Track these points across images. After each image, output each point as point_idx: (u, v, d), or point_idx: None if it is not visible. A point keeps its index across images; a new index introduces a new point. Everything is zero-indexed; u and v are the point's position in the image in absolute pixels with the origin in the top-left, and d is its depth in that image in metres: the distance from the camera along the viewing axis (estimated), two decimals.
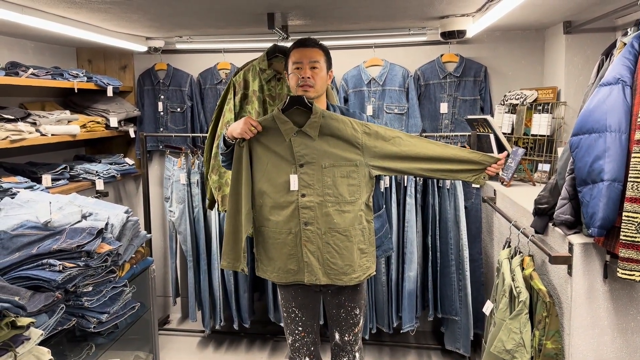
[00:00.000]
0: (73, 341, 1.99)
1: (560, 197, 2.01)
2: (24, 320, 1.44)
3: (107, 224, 2.08)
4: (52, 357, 1.48)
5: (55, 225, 2.04)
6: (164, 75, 4.02)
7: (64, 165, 3.37)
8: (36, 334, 1.48)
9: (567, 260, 1.94)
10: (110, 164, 3.80)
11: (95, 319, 1.89)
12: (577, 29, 3.15)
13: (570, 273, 1.95)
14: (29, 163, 3.35)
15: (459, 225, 3.21)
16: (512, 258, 2.36)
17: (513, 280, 2.23)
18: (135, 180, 4.33)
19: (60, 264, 1.78)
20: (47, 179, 3.18)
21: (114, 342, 2.17)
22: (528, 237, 2.22)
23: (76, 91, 3.41)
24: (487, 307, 2.57)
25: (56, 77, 3.28)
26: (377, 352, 3.56)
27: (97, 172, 3.56)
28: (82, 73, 3.54)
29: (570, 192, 1.95)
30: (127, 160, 4.02)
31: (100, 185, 3.53)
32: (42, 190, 2.67)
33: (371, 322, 3.40)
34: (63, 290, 1.78)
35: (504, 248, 2.54)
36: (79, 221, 2.06)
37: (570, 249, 1.93)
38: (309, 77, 2.12)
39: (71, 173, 3.46)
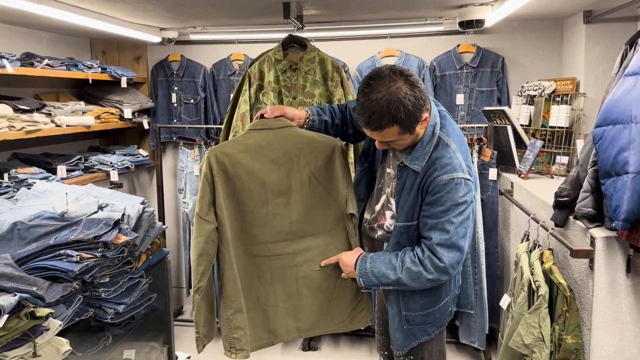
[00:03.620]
0: (90, 331, 1.99)
1: (582, 190, 1.97)
2: (42, 311, 1.44)
3: (123, 215, 2.07)
4: (70, 348, 1.48)
5: (71, 216, 2.04)
6: (177, 66, 4.01)
7: (78, 156, 3.37)
8: (55, 324, 1.48)
9: (588, 254, 1.91)
10: (125, 155, 3.80)
11: (112, 310, 1.89)
12: (597, 18, 3.08)
13: (591, 267, 1.91)
14: (44, 154, 3.35)
15: (475, 218, 3.17)
16: (530, 251, 2.33)
17: (532, 274, 2.19)
18: (149, 172, 4.34)
19: (77, 255, 1.78)
20: (62, 169, 3.18)
21: (129, 333, 2.17)
22: (548, 231, 2.18)
23: (90, 82, 3.40)
24: (504, 301, 2.54)
25: (71, 67, 3.28)
26: None
27: (111, 163, 3.56)
28: (96, 64, 3.53)
29: (592, 185, 1.91)
30: (141, 151, 4.02)
31: (114, 177, 3.54)
32: (57, 181, 2.67)
33: None
34: (80, 281, 1.78)
35: (522, 241, 2.50)
36: (95, 212, 2.05)
37: (592, 243, 1.90)
38: (386, 149, 1.86)
39: (86, 164, 3.47)
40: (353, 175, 2.37)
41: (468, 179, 1.74)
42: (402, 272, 1.77)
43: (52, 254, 1.80)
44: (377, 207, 1.98)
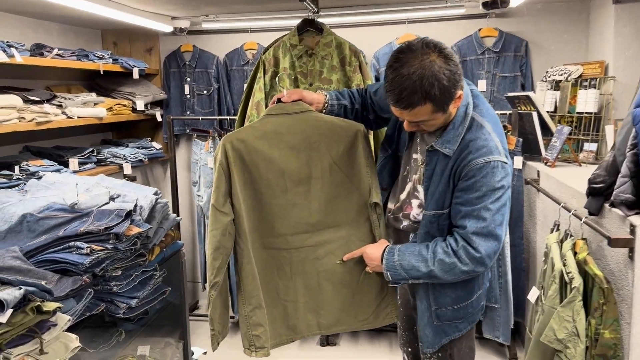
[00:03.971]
0: (102, 327, 1.92)
1: (620, 175, 1.84)
2: (50, 305, 1.36)
3: (135, 206, 1.99)
4: (80, 344, 1.40)
5: (82, 207, 1.96)
6: (189, 56, 3.93)
7: (91, 149, 3.31)
8: (63, 319, 1.40)
9: (628, 243, 1.78)
10: (138, 147, 3.73)
11: (124, 304, 1.81)
12: None
13: (631, 257, 1.79)
14: (55, 147, 3.30)
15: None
16: (561, 242, 2.21)
17: (564, 265, 2.08)
18: (162, 165, 4.27)
19: (87, 247, 1.70)
20: (74, 162, 3.12)
21: (143, 328, 2.10)
22: (581, 220, 2.06)
23: (102, 73, 3.33)
24: (533, 294, 2.42)
25: (81, 58, 3.21)
26: None
27: (124, 155, 3.50)
28: (108, 55, 3.46)
29: (631, 169, 1.78)
30: (154, 144, 3.95)
31: (127, 169, 3.47)
32: (70, 173, 2.61)
33: None
34: (91, 274, 1.70)
35: (552, 232, 2.38)
36: (106, 203, 1.98)
37: (632, 231, 1.77)
38: (415, 130, 1.72)
39: (98, 157, 3.41)
40: None
41: (505, 162, 1.62)
42: (435, 264, 1.66)
43: (62, 246, 1.73)
44: (403, 196, 1.87)
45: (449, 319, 1.81)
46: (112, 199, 2.01)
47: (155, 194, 2.12)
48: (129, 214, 1.90)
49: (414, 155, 1.83)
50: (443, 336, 1.83)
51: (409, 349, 2.17)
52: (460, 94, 1.58)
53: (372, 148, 2.25)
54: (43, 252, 1.73)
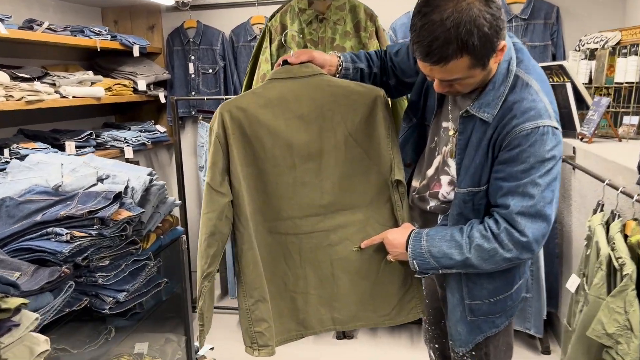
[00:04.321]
0: (89, 324, 1.72)
1: None
2: (11, 302, 1.13)
3: (126, 188, 1.78)
4: (48, 348, 1.18)
5: (67, 189, 1.76)
6: (193, 33, 3.70)
7: (89, 132, 3.10)
8: (29, 318, 1.18)
9: None
10: (141, 131, 3.52)
11: (111, 299, 1.60)
12: None
13: None
14: (53, 130, 3.09)
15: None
16: (607, 224, 1.95)
17: (613, 250, 1.82)
18: (168, 150, 4.07)
19: (67, 233, 1.49)
20: (70, 145, 2.92)
21: (139, 324, 1.89)
22: (633, 198, 1.80)
23: (99, 50, 3.11)
24: (572, 282, 2.16)
25: (76, 34, 2.99)
26: None
27: (125, 139, 3.29)
28: (105, 31, 3.24)
29: None
30: (159, 127, 3.74)
31: (129, 153, 3.27)
32: (56, 153, 2.40)
33: None
34: (72, 265, 1.49)
35: (594, 213, 2.12)
36: (94, 184, 1.77)
37: None
38: (447, 92, 1.44)
39: (98, 140, 3.20)
40: None
41: (556, 128, 1.36)
42: (471, 250, 1.42)
43: (39, 233, 1.52)
44: (430, 172, 1.62)
45: (485, 314, 1.57)
46: (100, 180, 1.80)
47: (150, 174, 1.91)
48: (118, 196, 1.68)
49: (444, 124, 1.57)
50: (478, 333, 1.59)
51: (436, 345, 1.94)
52: (503, 45, 1.32)
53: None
54: (19, 239, 1.53)
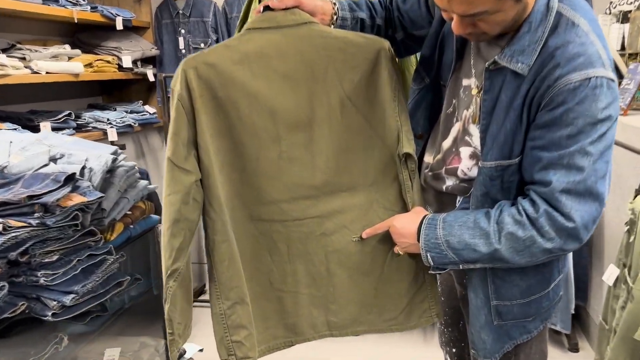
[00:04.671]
0: (37, 331, 1.45)
1: None
2: None
3: (83, 169, 1.50)
4: None
5: (13, 171, 1.49)
6: (183, 4, 3.43)
7: (67, 112, 2.82)
8: None
9: None
10: (127, 112, 3.25)
11: (55, 302, 1.32)
12: None
13: None
14: (30, 111, 2.83)
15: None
16: None
17: None
18: (159, 133, 3.80)
19: (1, 223, 1.22)
20: (46, 127, 2.64)
21: (102, 329, 1.62)
22: None
23: (76, 22, 2.83)
24: (610, 274, 1.87)
25: (49, 3, 2.70)
26: None
27: (108, 120, 3.02)
28: (84, 1, 2.95)
29: None
30: (148, 108, 3.46)
31: (113, 136, 2.99)
32: (6, 130, 2.13)
33: None
34: (5, 262, 1.22)
35: (637, 194, 1.82)
36: (45, 165, 1.49)
37: None
38: (469, 34, 1.13)
39: (78, 122, 2.93)
40: None
41: (612, 80, 1.04)
42: (501, 240, 1.12)
43: None
44: (446, 144, 1.30)
45: (515, 317, 1.28)
46: (53, 159, 1.53)
47: (115, 153, 1.63)
48: (70, 178, 1.41)
49: (465, 82, 1.25)
50: (506, 341, 1.30)
51: (453, 350, 1.65)
52: None
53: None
54: None
